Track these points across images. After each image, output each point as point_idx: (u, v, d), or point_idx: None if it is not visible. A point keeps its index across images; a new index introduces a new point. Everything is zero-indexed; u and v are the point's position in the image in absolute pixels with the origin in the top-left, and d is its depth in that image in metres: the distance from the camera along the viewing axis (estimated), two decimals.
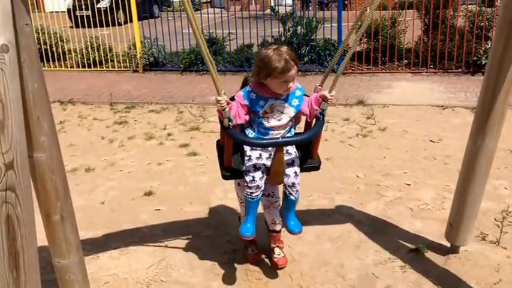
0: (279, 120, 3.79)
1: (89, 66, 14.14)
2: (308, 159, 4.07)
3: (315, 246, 4.94)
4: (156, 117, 9.64)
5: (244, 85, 4.09)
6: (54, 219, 3.69)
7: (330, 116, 8.81)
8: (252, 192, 3.89)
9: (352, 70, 12.47)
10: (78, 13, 16.39)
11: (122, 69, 14.02)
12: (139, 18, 13.73)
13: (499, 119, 4.09)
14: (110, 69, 14.09)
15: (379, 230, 5.20)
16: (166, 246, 5.09)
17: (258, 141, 3.74)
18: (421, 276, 4.41)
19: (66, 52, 14.76)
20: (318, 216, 5.49)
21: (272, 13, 13.39)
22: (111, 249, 5.06)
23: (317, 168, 4.10)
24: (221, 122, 3.64)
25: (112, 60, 14.28)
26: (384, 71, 12.41)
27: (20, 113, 2.74)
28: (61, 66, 14.42)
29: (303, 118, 4.05)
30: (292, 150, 3.92)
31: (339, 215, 5.55)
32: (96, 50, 14.18)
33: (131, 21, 13.78)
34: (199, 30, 3.21)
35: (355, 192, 6.07)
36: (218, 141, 4.29)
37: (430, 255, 4.71)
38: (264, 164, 3.83)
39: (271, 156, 3.80)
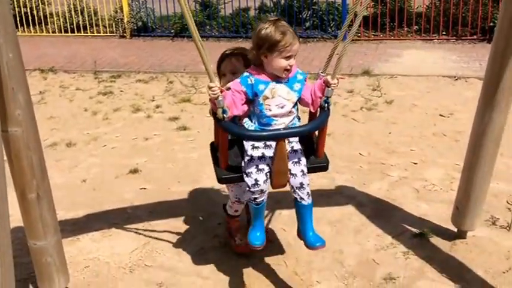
0: (282, 107, 3.58)
1: (72, 31, 14.04)
2: (312, 158, 3.83)
3: None
4: (143, 88, 9.62)
5: (219, 65, 4.01)
6: (30, 198, 3.73)
7: None
8: (255, 198, 3.67)
9: (358, 37, 12.40)
10: None
11: (108, 34, 13.94)
12: None
13: (508, 92, 4.08)
14: (95, 34, 14.01)
15: (381, 213, 5.23)
16: (152, 228, 5.12)
17: (256, 134, 3.57)
18: (425, 263, 4.45)
19: (48, 16, 14.65)
20: (316, 197, 5.34)
21: None
22: (92, 231, 5.09)
23: (325, 168, 3.88)
24: (214, 114, 3.46)
25: (97, 25, 14.17)
26: (392, 37, 12.35)
27: None
28: (42, 31, 14.35)
29: (306, 111, 3.83)
30: (297, 146, 3.71)
31: (339, 196, 5.58)
32: (79, 14, 14.07)
33: None
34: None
35: (358, 171, 6.08)
36: (212, 144, 4.12)
37: (435, 240, 4.75)
38: (267, 165, 3.62)
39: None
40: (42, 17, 14.46)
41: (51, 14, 14.55)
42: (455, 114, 7.66)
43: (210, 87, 3.30)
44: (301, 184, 3.67)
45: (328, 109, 3.55)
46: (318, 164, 3.82)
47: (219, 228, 5.03)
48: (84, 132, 7.62)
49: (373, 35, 12.50)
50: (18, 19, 13.81)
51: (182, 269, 4.53)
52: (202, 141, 6.79)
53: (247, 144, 3.62)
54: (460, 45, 11.65)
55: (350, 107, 8.17)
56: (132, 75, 10.44)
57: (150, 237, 4.98)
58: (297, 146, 3.69)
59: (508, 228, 4.86)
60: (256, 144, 3.60)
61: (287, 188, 3.80)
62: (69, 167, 6.51)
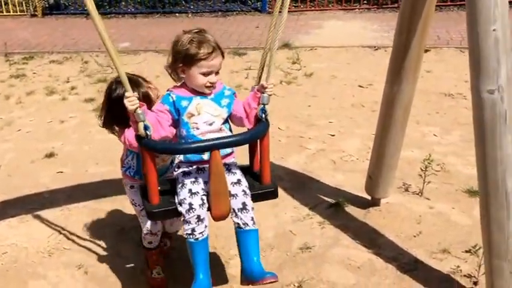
0: (210, 124, 3.30)
1: None
2: (257, 185, 3.47)
3: None
4: (57, 69, 9.64)
5: (109, 98, 3.82)
6: None
7: (251, 61, 9.05)
8: (193, 229, 3.24)
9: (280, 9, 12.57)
10: None
11: (18, 13, 13.74)
12: None
13: (415, 63, 4.36)
14: (4, 14, 13.76)
15: (299, 186, 5.54)
16: (70, 211, 5.27)
17: (185, 146, 3.28)
18: (339, 231, 4.78)
19: None
20: None
21: None
22: (9, 217, 5.21)
23: (273, 194, 3.51)
24: (137, 137, 3.14)
25: (6, 3, 13.92)
26: (313, 8, 12.66)
27: None
28: None
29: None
30: (235, 169, 3.42)
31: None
32: None
33: None
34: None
35: (276, 145, 6.32)
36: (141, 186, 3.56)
37: (350, 209, 5.09)
38: (202, 189, 3.31)
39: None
40: None
41: None
42: (374, 84, 8.00)
43: (126, 97, 3.02)
44: (244, 205, 3.31)
45: (267, 120, 3.29)
46: (264, 189, 3.45)
47: None
48: None
49: (294, 6, 12.68)
50: None
51: (102, 250, 4.71)
52: None
53: (178, 172, 3.37)
54: (381, 15, 12.03)
55: None
56: (45, 56, 10.40)
57: (69, 220, 5.13)
58: (235, 169, 3.44)
59: (420, 194, 5.24)
60: (187, 169, 3.34)
61: None
62: None
